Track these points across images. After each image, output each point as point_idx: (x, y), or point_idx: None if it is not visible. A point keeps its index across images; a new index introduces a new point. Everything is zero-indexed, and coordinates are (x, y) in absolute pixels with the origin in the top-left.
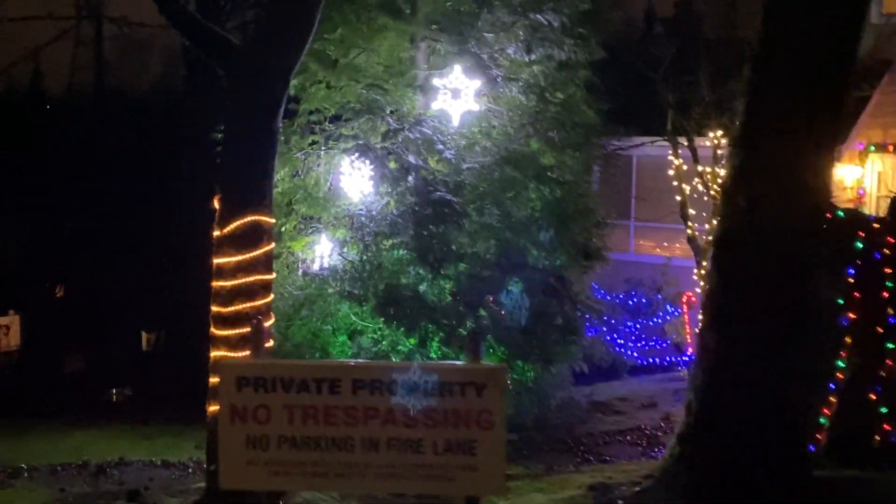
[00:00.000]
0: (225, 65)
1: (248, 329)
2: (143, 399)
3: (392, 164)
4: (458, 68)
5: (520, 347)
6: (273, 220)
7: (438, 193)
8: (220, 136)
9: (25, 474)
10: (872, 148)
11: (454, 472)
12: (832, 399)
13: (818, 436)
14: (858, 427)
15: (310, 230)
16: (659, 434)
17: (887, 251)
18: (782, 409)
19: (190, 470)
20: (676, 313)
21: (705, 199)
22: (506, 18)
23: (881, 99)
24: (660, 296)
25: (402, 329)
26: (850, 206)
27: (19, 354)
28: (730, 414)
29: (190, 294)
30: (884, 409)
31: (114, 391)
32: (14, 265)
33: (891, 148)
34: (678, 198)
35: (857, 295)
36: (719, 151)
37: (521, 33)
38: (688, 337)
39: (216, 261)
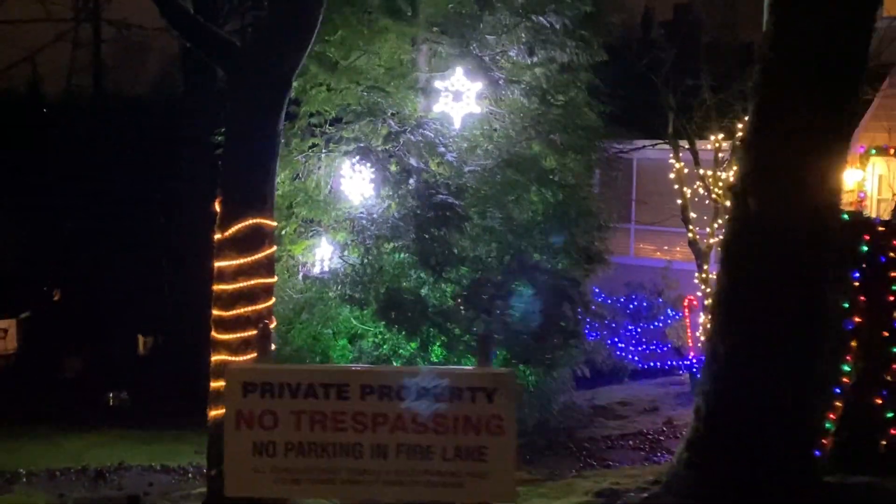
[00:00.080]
0: (226, 66)
1: (250, 333)
2: (141, 403)
3: (393, 167)
4: (459, 70)
5: (522, 351)
6: (275, 223)
7: (440, 196)
8: (220, 138)
9: (24, 479)
10: (873, 151)
11: (464, 478)
12: (837, 404)
13: (824, 441)
14: (864, 432)
15: (310, 233)
16: (661, 438)
17: (893, 254)
18: (793, 413)
19: (190, 475)
20: (677, 317)
21: (706, 202)
22: (507, 20)
23: (882, 102)
24: (660, 299)
25: (403, 333)
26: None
27: (16, 358)
28: (739, 419)
29: (189, 297)
30: (890, 414)
31: (111, 395)
32: (12, 266)
33: (892, 151)
34: (679, 201)
35: (863, 299)
36: (721, 154)
37: (522, 35)
38: (689, 340)
39: (217, 264)
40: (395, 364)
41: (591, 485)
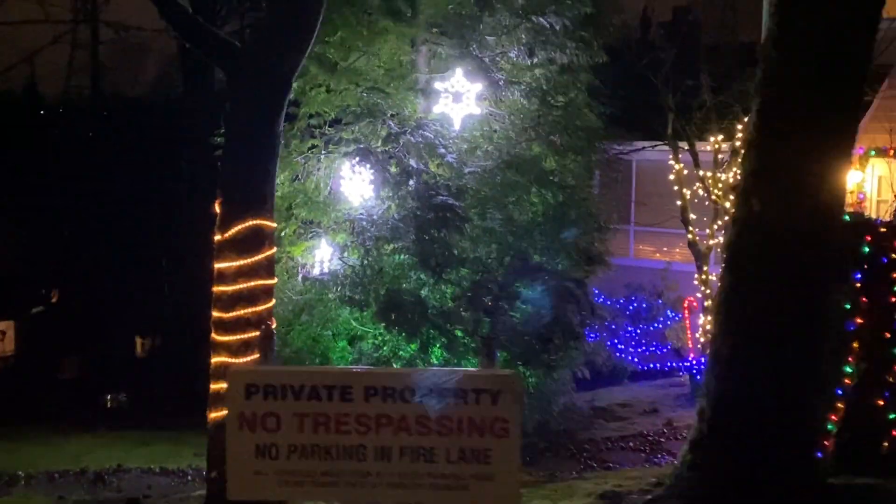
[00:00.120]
0: (226, 66)
1: (250, 334)
2: (140, 404)
3: (393, 168)
4: (459, 72)
5: (522, 353)
6: (275, 225)
7: (440, 198)
8: (219, 139)
9: (22, 481)
10: (873, 152)
11: (468, 481)
12: (839, 405)
13: (825, 442)
14: (866, 433)
15: (310, 235)
16: (661, 440)
17: (894, 255)
18: (794, 414)
19: (189, 477)
20: (677, 318)
21: (706, 203)
22: (507, 21)
23: (882, 103)
24: (660, 301)
25: (403, 334)
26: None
27: (14, 360)
28: (741, 419)
29: (188, 298)
30: (892, 416)
31: (109, 396)
32: (9, 268)
33: (891, 152)
34: (679, 202)
35: (864, 300)
36: (720, 156)
37: (522, 36)
38: (689, 342)
39: (217, 265)
40: (395, 366)
41: (593, 486)
